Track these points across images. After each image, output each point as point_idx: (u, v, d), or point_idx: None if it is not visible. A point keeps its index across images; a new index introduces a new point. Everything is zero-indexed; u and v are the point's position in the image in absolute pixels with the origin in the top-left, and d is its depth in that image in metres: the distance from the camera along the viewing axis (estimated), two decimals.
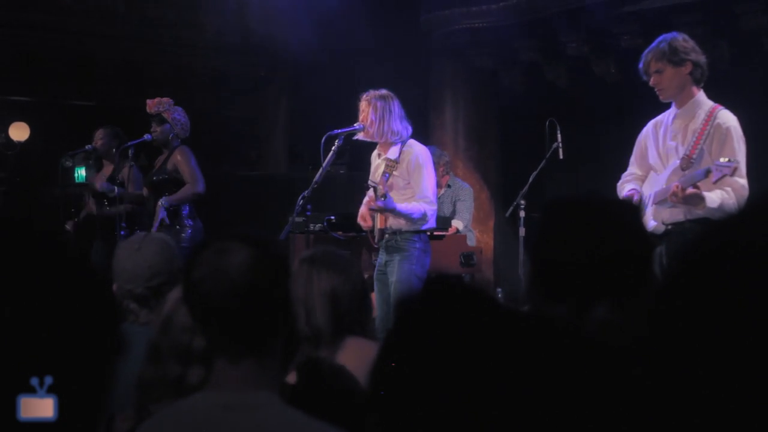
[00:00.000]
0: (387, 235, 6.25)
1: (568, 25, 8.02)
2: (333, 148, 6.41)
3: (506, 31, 8.47)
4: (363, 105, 6.31)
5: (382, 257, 6.30)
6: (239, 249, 2.01)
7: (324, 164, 6.38)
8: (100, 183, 7.89)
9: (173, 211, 7.37)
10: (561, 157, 7.12)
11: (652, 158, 5.29)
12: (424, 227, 6.25)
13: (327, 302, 3.04)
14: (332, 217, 6.94)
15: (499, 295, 8.52)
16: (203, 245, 2.08)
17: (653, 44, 5.14)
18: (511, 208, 7.18)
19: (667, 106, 5.27)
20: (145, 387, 2.38)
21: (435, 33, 9.10)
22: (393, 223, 6.21)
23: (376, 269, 6.34)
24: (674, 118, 5.19)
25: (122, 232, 7.49)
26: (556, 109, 7.80)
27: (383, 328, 6.18)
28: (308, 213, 6.61)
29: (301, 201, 6.39)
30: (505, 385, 1.14)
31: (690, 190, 4.77)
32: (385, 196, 6.02)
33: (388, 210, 6.09)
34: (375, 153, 6.54)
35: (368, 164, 6.64)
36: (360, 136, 6.37)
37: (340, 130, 6.41)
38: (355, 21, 9.41)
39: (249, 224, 9.30)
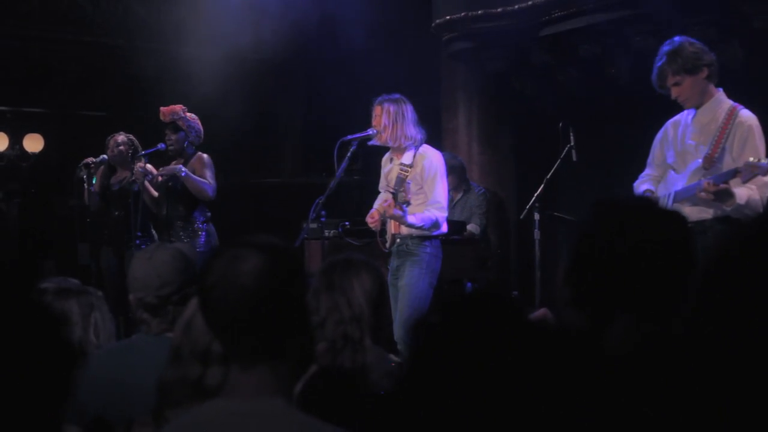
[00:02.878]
0: (398, 240, 6.27)
1: (579, 28, 8.01)
2: (347, 154, 6.41)
3: (517, 34, 8.47)
4: (376, 110, 6.32)
5: (393, 262, 6.32)
6: (252, 255, 2.02)
7: (338, 171, 6.39)
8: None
9: (186, 217, 7.41)
10: (574, 159, 7.11)
11: (671, 158, 5.29)
12: (436, 233, 6.26)
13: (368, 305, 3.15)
14: (347, 223, 6.95)
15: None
16: (218, 253, 2.09)
17: (662, 57, 5.12)
18: (526, 211, 7.17)
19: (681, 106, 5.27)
20: (165, 390, 2.39)
21: (446, 37, 9.10)
22: (405, 228, 6.22)
23: (389, 275, 6.34)
24: (694, 117, 5.19)
25: (137, 242, 7.52)
26: (569, 111, 7.79)
27: (399, 334, 6.19)
28: (323, 219, 6.62)
29: (316, 207, 6.40)
30: (526, 397, 1.14)
31: (722, 186, 4.80)
32: (407, 203, 6.07)
33: (402, 221, 6.11)
34: (387, 157, 6.54)
35: (379, 170, 6.64)
36: (374, 141, 6.37)
37: (353, 136, 6.41)
38: (368, 26, 9.43)
39: (263, 231, 9.30)
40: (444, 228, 6.30)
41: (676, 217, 2.10)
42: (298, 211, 7.14)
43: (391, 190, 6.20)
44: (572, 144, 7.09)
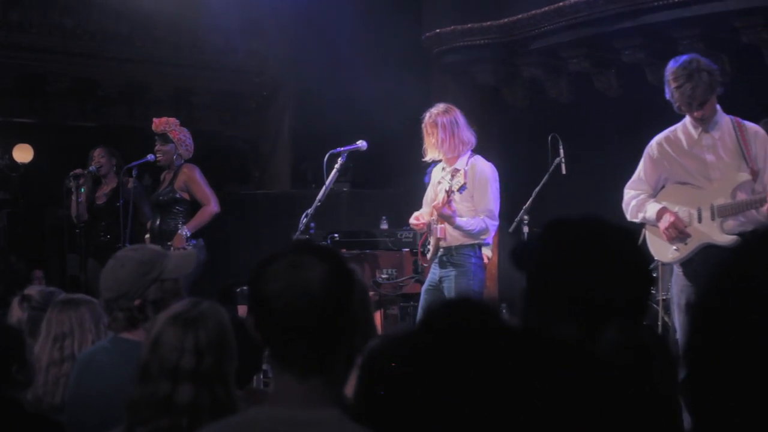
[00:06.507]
0: (442, 250, 6.15)
1: (568, 41, 8.03)
2: (336, 166, 6.41)
3: (507, 47, 8.49)
4: (428, 128, 6.15)
5: (435, 272, 6.18)
6: (314, 263, 1.98)
7: (327, 182, 6.39)
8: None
9: (175, 230, 7.38)
10: (564, 172, 7.12)
11: (681, 176, 5.24)
12: (487, 240, 6.16)
13: None
14: (336, 235, 6.94)
15: (504, 311, 8.47)
16: (271, 259, 2.03)
17: (689, 78, 5.03)
18: (514, 224, 7.17)
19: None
20: (133, 408, 2.40)
21: (436, 50, 9.12)
22: (451, 237, 6.09)
23: (426, 283, 6.23)
24: (700, 132, 5.16)
25: None
26: (559, 124, 7.81)
27: None
28: (312, 231, 6.61)
29: (305, 219, 6.39)
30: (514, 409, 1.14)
31: None
32: (464, 186, 5.84)
33: (451, 220, 5.95)
34: (437, 167, 6.38)
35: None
36: (434, 157, 6.21)
37: (342, 148, 6.41)
38: (358, 39, 9.44)
39: (253, 243, 9.31)
40: (490, 238, 6.22)
41: (628, 237, 2.13)
42: (287, 223, 7.12)
43: (448, 184, 5.90)
44: (562, 157, 7.10)
